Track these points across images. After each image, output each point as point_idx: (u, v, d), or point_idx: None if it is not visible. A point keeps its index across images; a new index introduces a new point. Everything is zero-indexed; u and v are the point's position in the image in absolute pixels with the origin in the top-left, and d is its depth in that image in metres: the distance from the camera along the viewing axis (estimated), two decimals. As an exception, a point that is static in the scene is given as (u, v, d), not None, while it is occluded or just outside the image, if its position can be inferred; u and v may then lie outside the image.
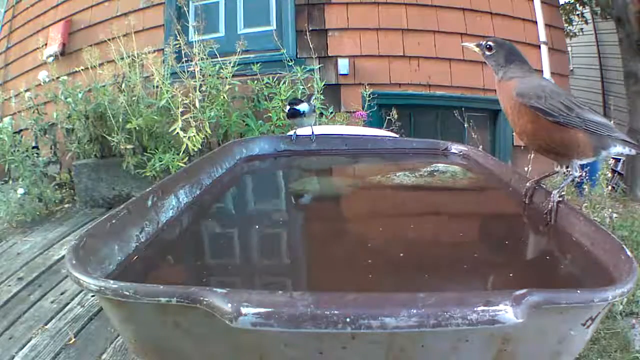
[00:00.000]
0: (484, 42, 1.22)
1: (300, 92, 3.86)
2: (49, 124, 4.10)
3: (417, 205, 1.39)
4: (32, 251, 3.07)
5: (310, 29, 4.30)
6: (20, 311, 2.35)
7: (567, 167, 1.13)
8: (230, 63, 3.69)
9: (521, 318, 0.60)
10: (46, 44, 4.81)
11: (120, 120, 3.60)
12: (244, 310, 0.59)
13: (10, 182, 3.84)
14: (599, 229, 0.90)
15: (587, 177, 3.12)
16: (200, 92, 3.56)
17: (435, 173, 1.54)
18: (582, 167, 1.15)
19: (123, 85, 3.69)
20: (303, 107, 1.70)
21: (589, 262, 0.86)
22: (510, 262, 0.95)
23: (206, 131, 3.47)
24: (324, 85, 3.97)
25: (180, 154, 3.43)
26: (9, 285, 2.62)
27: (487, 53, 1.20)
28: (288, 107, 1.71)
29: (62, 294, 2.50)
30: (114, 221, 0.90)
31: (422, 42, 4.37)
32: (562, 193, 1.07)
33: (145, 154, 3.65)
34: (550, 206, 1.05)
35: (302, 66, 4.00)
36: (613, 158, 3.79)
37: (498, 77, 1.18)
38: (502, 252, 1.00)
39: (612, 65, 7.21)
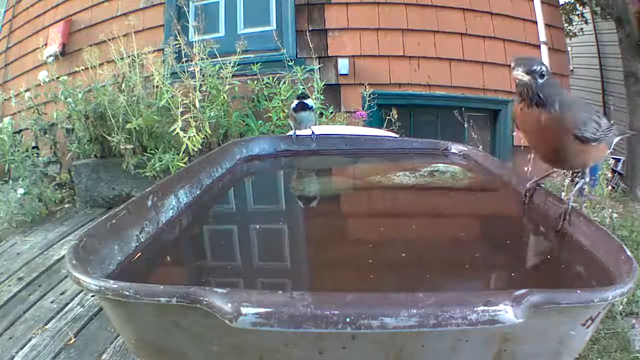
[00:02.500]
0: (536, 67, 0.95)
1: (300, 92, 3.85)
2: (49, 124, 4.10)
3: (417, 205, 1.39)
4: (32, 251, 3.07)
5: (310, 29, 4.30)
6: (20, 311, 2.35)
7: (574, 173, 1.15)
8: (230, 63, 3.69)
9: (521, 318, 0.60)
10: (46, 44, 4.81)
11: (120, 120, 3.60)
12: (244, 310, 0.59)
13: (10, 182, 3.83)
14: (599, 229, 0.90)
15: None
16: (200, 92, 3.56)
17: (435, 173, 1.54)
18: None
19: (123, 85, 3.69)
20: (310, 102, 1.77)
21: (589, 262, 0.86)
22: (511, 262, 0.95)
23: (206, 131, 3.47)
24: (324, 85, 3.97)
25: (180, 154, 3.43)
26: (9, 285, 2.61)
27: (540, 81, 0.95)
28: (297, 101, 1.75)
29: (62, 294, 2.50)
30: (114, 221, 0.90)
31: (422, 42, 4.37)
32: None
33: (145, 154, 3.65)
34: (564, 212, 1.00)
35: (302, 66, 4.00)
36: (613, 158, 3.80)
37: (550, 110, 0.96)
38: (503, 252, 1.00)
39: (612, 65, 7.20)
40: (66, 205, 3.94)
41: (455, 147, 1.72)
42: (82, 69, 3.80)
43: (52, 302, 2.43)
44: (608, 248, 0.84)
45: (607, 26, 6.66)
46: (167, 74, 3.67)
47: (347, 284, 0.86)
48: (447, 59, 4.36)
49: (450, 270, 0.90)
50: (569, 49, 7.09)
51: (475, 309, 0.59)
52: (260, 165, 1.69)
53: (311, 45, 4.20)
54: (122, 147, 3.57)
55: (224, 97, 3.68)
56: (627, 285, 0.68)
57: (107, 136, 3.65)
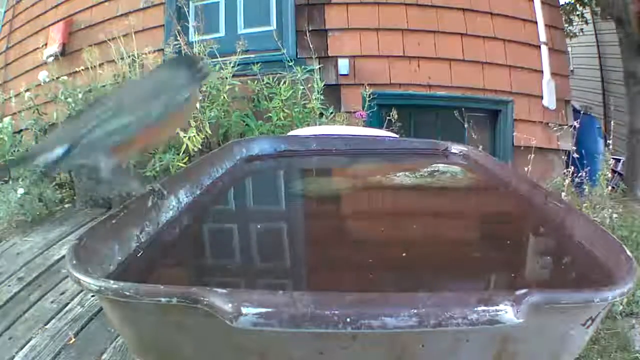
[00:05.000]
0: None
1: (300, 92, 3.86)
2: (49, 124, 4.09)
3: (417, 205, 1.39)
4: (32, 251, 3.06)
5: (310, 29, 4.29)
6: (20, 311, 2.35)
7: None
8: (230, 63, 3.68)
9: (521, 318, 0.60)
10: (46, 44, 4.80)
11: (120, 120, 3.59)
12: (244, 310, 0.59)
13: (10, 182, 3.83)
14: (599, 229, 0.90)
15: (587, 177, 3.11)
16: (200, 92, 3.55)
17: (435, 173, 1.54)
18: None
19: (123, 85, 3.69)
20: None
21: (589, 262, 0.86)
22: (511, 262, 0.95)
23: (206, 131, 3.47)
24: (324, 85, 3.96)
25: (180, 154, 3.42)
26: (9, 285, 2.61)
27: None
28: None
29: (62, 294, 2.50)
30: (114, 221, 0.90)
31: (422, 42, 4.36)
32: None
33: (145, 154, 3.65)
34: None
35: (302, 66, 3.99)
36: (613, 158, 3.69)
37: None
38: (503, 252, 1.00)
39: (612, 65, 7.20)
40: (66, 205, 3.94)
41: (455, 147, 1.72)
42: (82, 69, 3.80)
43: (52, 302, 2.43)
44: (608, 248, 0.83)
45: (607, 26, 6.65)
46: (167, 74, 3.66)
47: (347, 284, 0.86)
48: (447, 59, 4.36)
49: (450, 270, 0.90)
50: (569, 49, 7.08)
51: (475, 309, 0.59)
52: (260, 166, 1.69)
53: (311, 46, 4.20)
54: (122, 147, 3.57)
55: (224, 97, 3.68)
56: (627, 285, 0.68)
57: (107, 136, 3.65)
